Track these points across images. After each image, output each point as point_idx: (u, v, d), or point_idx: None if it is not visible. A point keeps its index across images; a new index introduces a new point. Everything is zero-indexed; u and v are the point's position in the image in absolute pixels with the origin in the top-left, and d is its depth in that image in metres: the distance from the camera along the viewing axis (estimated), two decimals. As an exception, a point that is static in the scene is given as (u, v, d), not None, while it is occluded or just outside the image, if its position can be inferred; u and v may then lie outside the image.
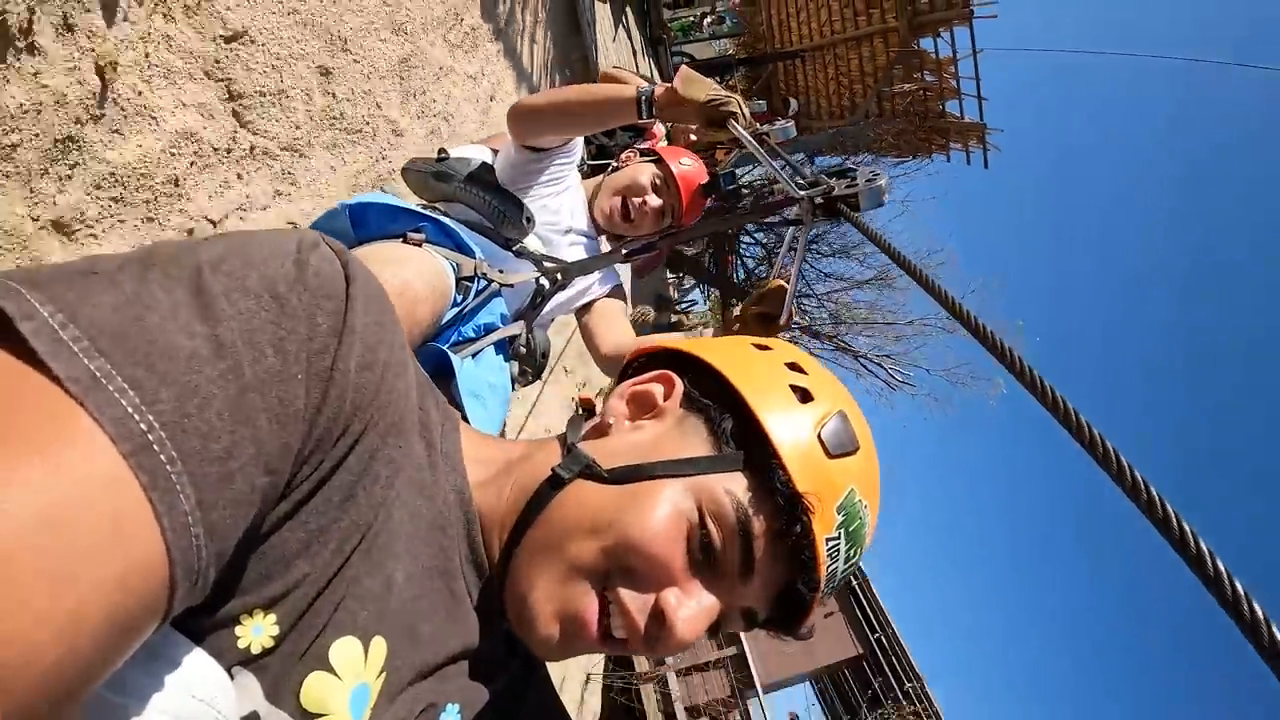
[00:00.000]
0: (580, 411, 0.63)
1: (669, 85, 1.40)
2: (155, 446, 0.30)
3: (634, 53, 6.90)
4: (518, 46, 4.18)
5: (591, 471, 0.53)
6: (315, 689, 0.39)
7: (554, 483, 0.54)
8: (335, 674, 0.40)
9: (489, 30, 3.79)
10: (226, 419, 0.33)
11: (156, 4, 1.65)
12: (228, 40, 1.91)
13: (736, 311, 1.55)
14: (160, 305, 0.33)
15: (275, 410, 0.35)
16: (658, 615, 0.50)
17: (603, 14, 5.62)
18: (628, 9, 6.32)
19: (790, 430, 0.52)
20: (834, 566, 0.52)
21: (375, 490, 0.42)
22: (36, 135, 1.38)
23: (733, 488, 0.51)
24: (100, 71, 1.50)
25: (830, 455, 0.52)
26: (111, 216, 1.57)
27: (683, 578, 0.51)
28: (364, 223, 1.37)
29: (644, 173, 1.69)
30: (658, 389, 0.59)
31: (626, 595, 0.50)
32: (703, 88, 1.38)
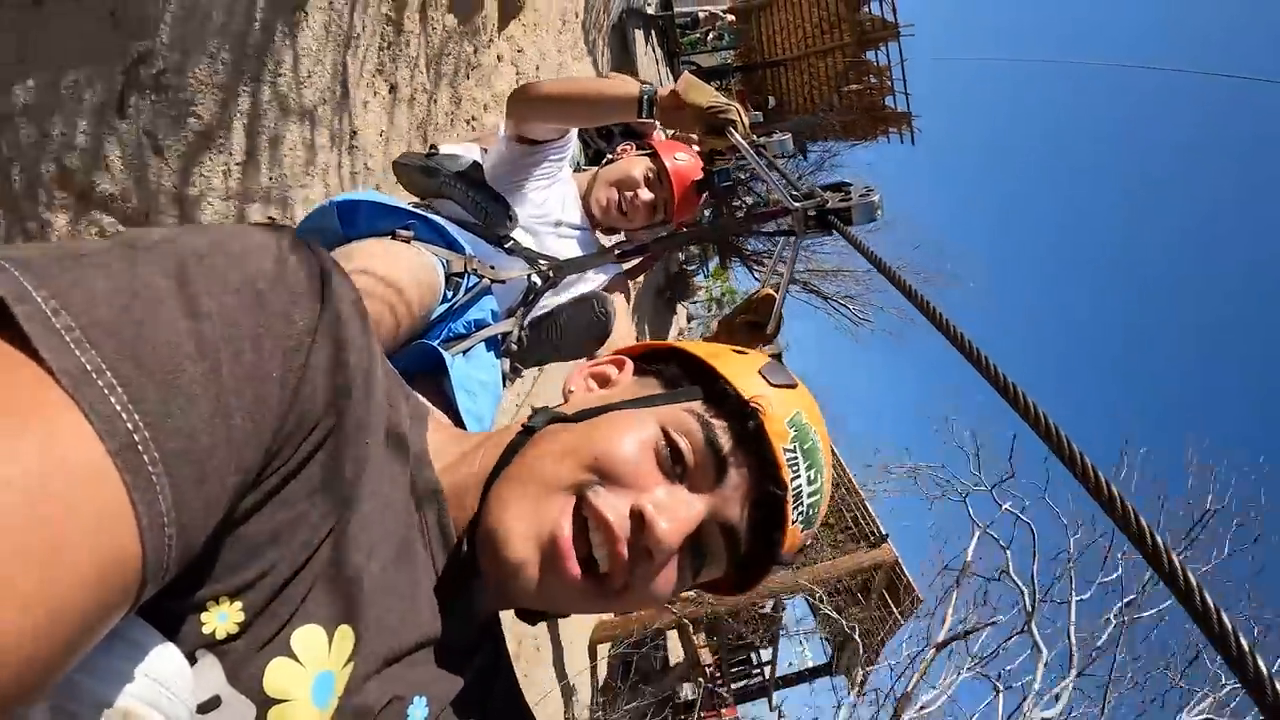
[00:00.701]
0: None
1: (672, 88, 1.40)
2: (139, 446, 0.30)
3: (656, 61, 9.08)
4: (594, 53, 6.30)
5: (559, 416, 0.58)
6: (277, 675, 0.40)
7: (525, 433, 0.58)
8: (298, 661, 0.41)
9: (582, 42, 5.74)
10: (205, 419, 0.33)
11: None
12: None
13: (722, 320, 1.56)
14: (147, 294, 0.34)
15: (250, 409, 0.36)
16: (637, 518, 0.51)
17: (639, 36, 8.31)
18: (652, 31, 8.93)
19: (733, 367, 0.59)
20: (798, 482, 0.56)
21: (342, 484, 0.43)
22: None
23: (691, 408, 0.57)
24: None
25: (771, 384, 0.59)
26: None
27: (657, 482, 0.54)
28: (353, 221, 1.36)
29: (637, 166, 1.69)
30: (611, 368, 0.65)
31: (600, 498, 0.52)
32: (704, 94, 1.37)
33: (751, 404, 0.56)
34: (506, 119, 1.56)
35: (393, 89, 2.71)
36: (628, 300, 1.83)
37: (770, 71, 10.33)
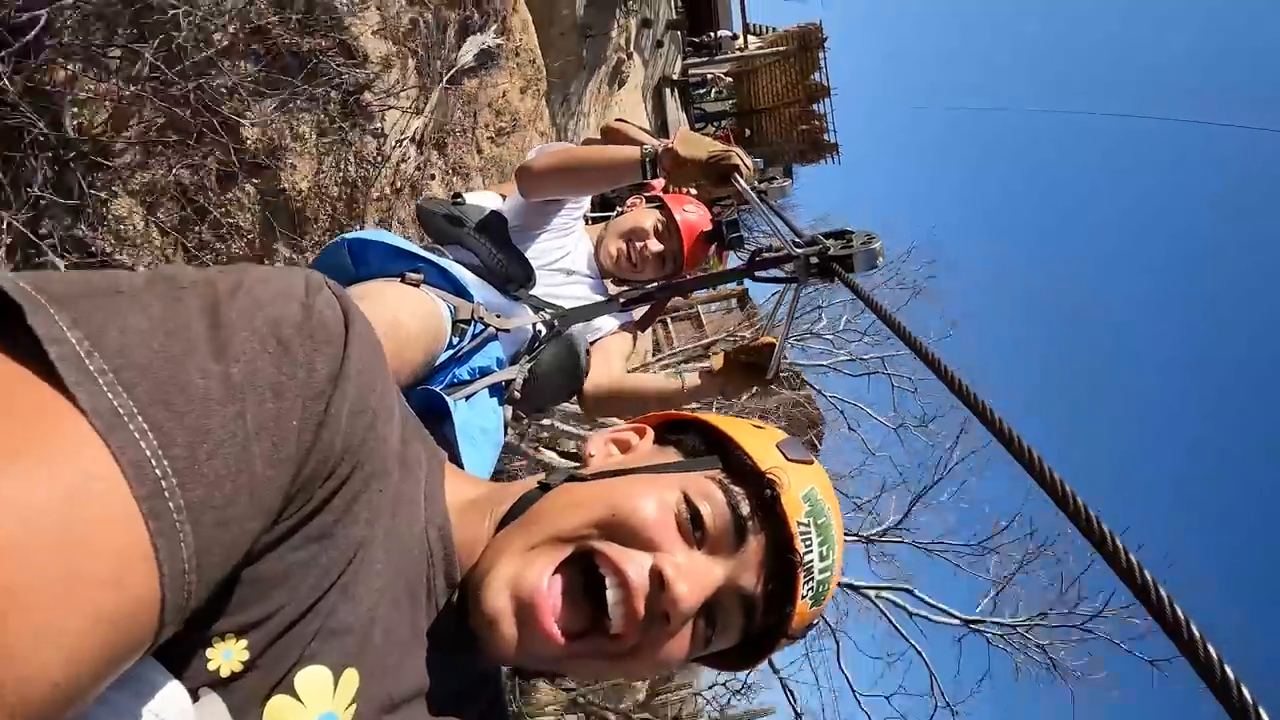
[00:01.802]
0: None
1: (669, 146, 1.41)
2: (166, 494, 0.31)
3: (677, 107, 12.97)
4: (645, 102, 8.49)
5: (576, 476, 0.58)
6: (278, 713, 0.40)
7: (540, 490, 0.57)
8: (300, 700, 0.41)
9: (641, 99, 7.76)
10: (230, 467, 0.34)
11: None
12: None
13: (721, 363, 1.56)
14: (182, 335, 0.35)
15: (270, 455, 0.36)
16: (656, 578, 0.50)
17: (668, 93, 12.09)
18: (675, 88, 12.72)
19: (752, 440, 0.60)
20: (810, 556, 0.55)
21: (355, 530, 0.43)
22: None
23: (712, 475, 0.57)
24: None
25: (788, 458, 0.59)
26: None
27: (678, 544, 0.52)
28: (365, 260, 1.38)
29: (647, 218, 1.71)
30: (632, 435, 0.65)
31: (614, 550, 0.51)
32: (701, 146, 1.39)
33: (769, 475, 0.56)
34: (518, 190, 1.58)
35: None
36: (634, 345, 1.83)
37: (755, 117, 15.40)
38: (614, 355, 1.70)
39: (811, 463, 0.61)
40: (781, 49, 14.50)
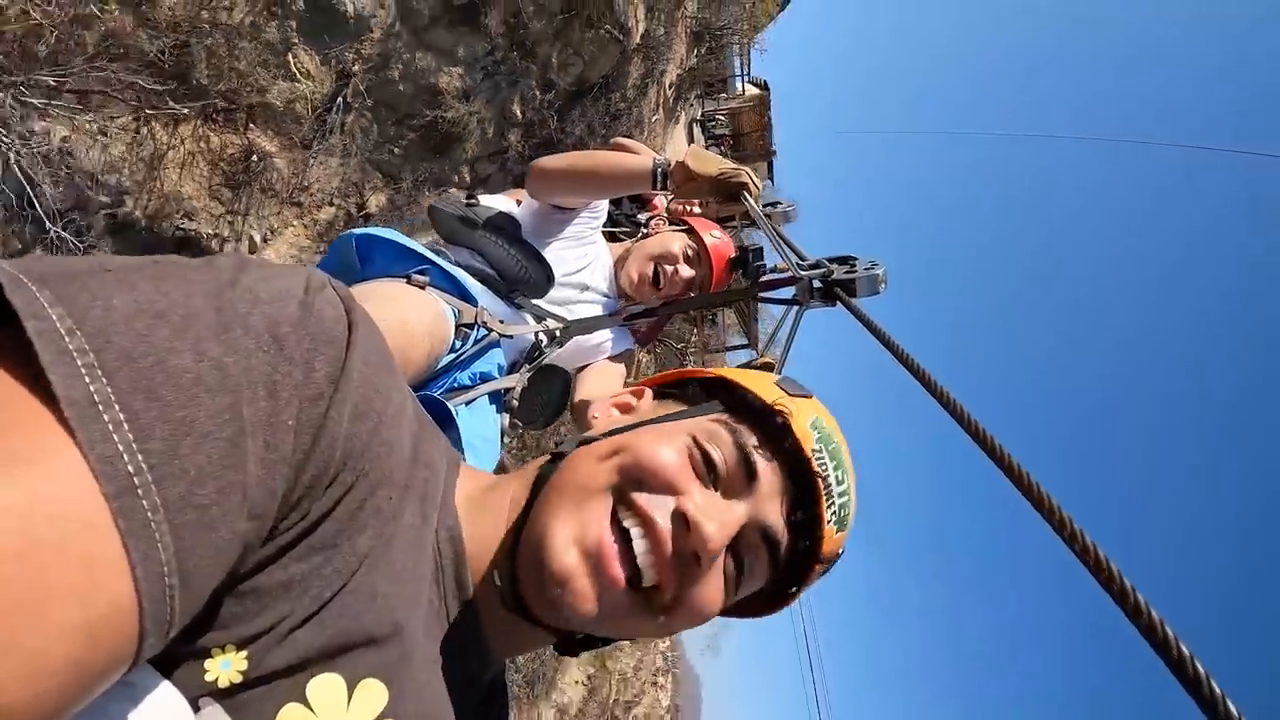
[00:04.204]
0: None
1: (681, 161, 1.42)
2: (139, 490, 0.29)
3: (696, 139, 16.65)
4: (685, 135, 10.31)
5: (588, 439, 0.58)
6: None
7: (553, 461, 0.58)
8: (311, 709, 0.39)
9: (681, 131, 11.42)
10: (215, 462, 0.32)
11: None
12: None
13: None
14: (172, 318, 0.32)
15: (262, 454, 0.34)
16: (680, 519, 0.51)
17: (695, 128, 15.52)
18: (696, 123, 16.76)
19: (751, 380, 0.61)
20: (829, 481, 0.56)
21: (361, 540, 0.41)
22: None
23: (717, 418, 0.58)
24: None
25: (789, 393, 0.60)
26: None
27: (696, 486, 0.53)
28: (370, 259, 1.38)
29: (676, 241, 1.68)
30: (631, 398, 0.66)
31: (643, 499, 0.51)
32: (712, 163, 1.40)
33: (775, 406, 0.57)
34: (527, 190, 1.57)
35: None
36: (630, 371, 1.83)
37: (740, 138, 21.36)
38: (611, 376, 1.69)
39: (810, 397, 0.62)
40: (753, 100, 21.57)
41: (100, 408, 0.28)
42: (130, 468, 0.28)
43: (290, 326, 0.37)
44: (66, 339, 0.29)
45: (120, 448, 0.28)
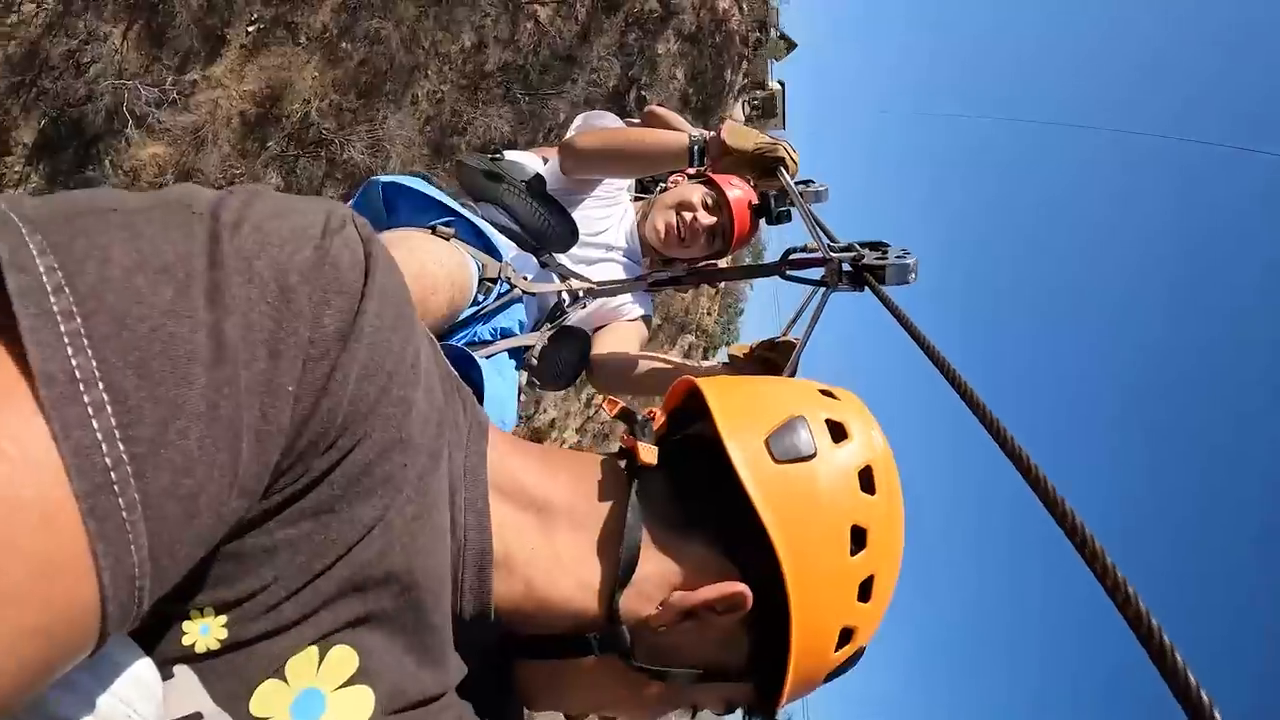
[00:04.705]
0: (624, 426, 0.59)
1: (717, 136, 1.40)
2: (117, 486, 0.26)
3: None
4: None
5: (626, 649, 0.51)
6: (265, 695, 0.36)
7: (580, 646, 0.51)
8: (286, 682, 0.37)
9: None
10: (207, 446, 0.29)
11: None
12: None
13: (743, 353, 1.56)
14: (175, 275, 0.29)
15: (258, 426, 0.31)
16: None
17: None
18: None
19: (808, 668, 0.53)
20: None
21: (364, 508, 0.37)
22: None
23: (741, 690, 0.54)
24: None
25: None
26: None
27: None
28: (395, 209, 1.38)
29: (695, 192, 1.66)
30: (718, 600, 0.50)
31: None
32: (750, 137, 1.38)
33: None
34: (559, 165, 1.56)
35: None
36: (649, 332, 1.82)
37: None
38: (629, 341, 1.68)
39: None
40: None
41: (81, 385, 0.25)
42: (109, 460, 0.25)
43: (300, 276, 0.33)
44: (52, 298, 0.25)
45: (99, 436, 0.25)
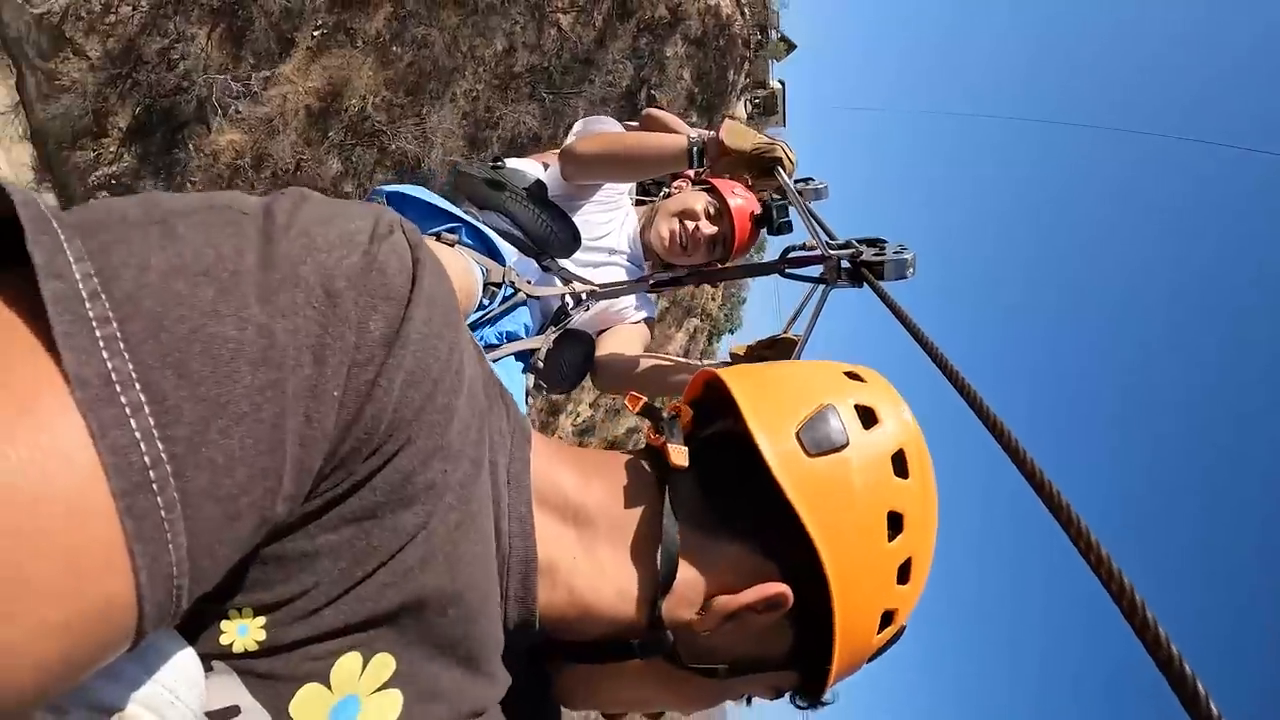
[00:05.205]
0: (649, 425, 0.58)
1: (715, 136, 1.42)
2: (155, 485, 0.26)
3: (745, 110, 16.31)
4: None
5: (673, 652, 0.52)
6: (305, 701, 0.36)
7: (624, 650, 0.52)
8: (329, 688, 0.37)
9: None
10: (249, 447, 0.29)
11: None
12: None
13: (743, 352, 1.57)
14: (218, 276, 0.29)
15: (302, 430, 0.31)
16: None
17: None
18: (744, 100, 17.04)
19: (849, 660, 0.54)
20: None
21: (406, 516, 0.36)
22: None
23: (784, 678, 0.56)
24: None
25: None
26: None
27: None
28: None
29: (697, 200, 1.67)
30: (759, 601, 0.50)
31: None
32: (748, 137, 1.39)
33: None
34: (560, 172, 1.57)
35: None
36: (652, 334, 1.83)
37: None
38: (632, 343, 1.70)
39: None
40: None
41: (118, 387, 0.25)
42: (148, 458, 0.26)
43: (347, 281, 0.33)
44: (88, 304, 0.26)
45: (138, 435, 0.25)
